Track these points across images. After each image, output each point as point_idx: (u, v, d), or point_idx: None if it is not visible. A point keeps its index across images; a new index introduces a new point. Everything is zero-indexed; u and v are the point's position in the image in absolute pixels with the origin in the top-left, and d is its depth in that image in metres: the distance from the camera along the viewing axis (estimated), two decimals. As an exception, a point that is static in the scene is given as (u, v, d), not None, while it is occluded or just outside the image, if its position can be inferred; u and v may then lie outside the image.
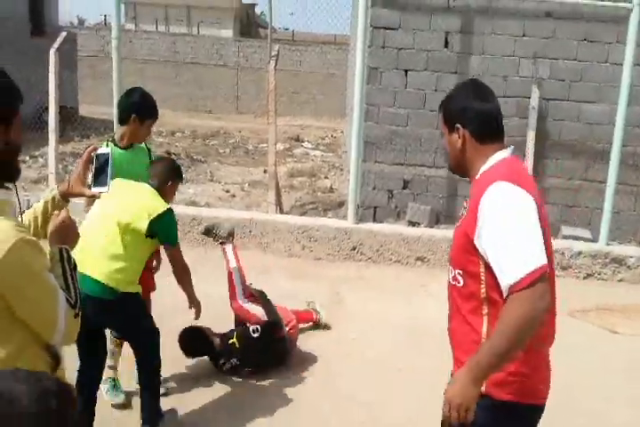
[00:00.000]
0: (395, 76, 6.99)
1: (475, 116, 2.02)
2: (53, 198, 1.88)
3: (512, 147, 2.10)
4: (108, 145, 3.39)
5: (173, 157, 12.45)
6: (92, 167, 1.90)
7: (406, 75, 6.99)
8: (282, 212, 7.09)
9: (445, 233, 6.08)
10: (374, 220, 7.11)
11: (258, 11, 37.85)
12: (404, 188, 7.13)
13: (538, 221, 1.84)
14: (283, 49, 25.18)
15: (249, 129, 17.46)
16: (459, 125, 2.03)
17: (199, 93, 24.61)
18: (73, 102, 18.05)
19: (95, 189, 1.89)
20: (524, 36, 6.82)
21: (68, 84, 17.32)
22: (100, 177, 1.89)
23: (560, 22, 6.72)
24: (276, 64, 6.90)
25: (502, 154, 2.04)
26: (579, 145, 6.88)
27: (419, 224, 6.84)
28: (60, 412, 0.98)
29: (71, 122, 15.93)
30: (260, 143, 15.02)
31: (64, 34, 7.74)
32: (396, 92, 7.01)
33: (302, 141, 15.83)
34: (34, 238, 1.57)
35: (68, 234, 1.70)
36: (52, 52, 7.36)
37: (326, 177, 10.80)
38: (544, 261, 1.76)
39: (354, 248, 6.35)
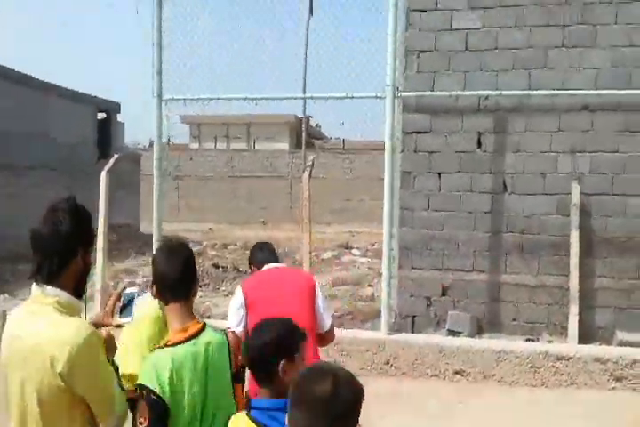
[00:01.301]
0: (428, 180, 6.81)
1: None
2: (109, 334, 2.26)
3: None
4: None
5: (222, 269, 12.45)
6: (120, 303, 2.36)
7: (440, 177, 6.80)
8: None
9: (486, 343, 5.58)
10: (413, 329, 6.66)
11: (313, 123, 39.22)
12: (443, 294, 6.72)
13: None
14: (334, 158, 26.05)
15: (298, 238, 17.42)
16: None
17: (254, 205, 25.16)
18: (134, 220, 18.64)
19: (121, 320, 2.33)
20: (560, 131, 6.58)
21: (130, 203, 18.08)
22: (126, 310, 2.35)
23: (597, 114, 6.47)
24: (310, 173, 6.82)
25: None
26: (627, 241, 6.38)
27: (460, 333, 6.33)
28: None
29: (130, 239, 16.39)
30: (309, 251, 14.92)
31: (115, 156, 7.96)
32: (430, 195, 6.81)
33: (351, 248, 15.64)
34: (100, 333, 2.07)
35: (110, 346, 2.15)
36: (103, 173, 7.55)
37: (370, 285, 10.44)
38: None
39: (387, 362, 5.88)
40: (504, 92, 6.37)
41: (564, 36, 6.48)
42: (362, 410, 1.57)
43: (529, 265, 6.58)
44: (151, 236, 18.58)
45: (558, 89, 6.38)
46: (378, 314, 7.04)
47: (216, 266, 12.57)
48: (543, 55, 6.54)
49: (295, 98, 6.62)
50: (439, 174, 6.82)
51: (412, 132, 6.87)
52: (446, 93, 6.52)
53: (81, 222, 2.07)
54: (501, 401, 5.21)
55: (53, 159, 14.50)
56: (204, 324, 2.35)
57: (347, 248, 15.75)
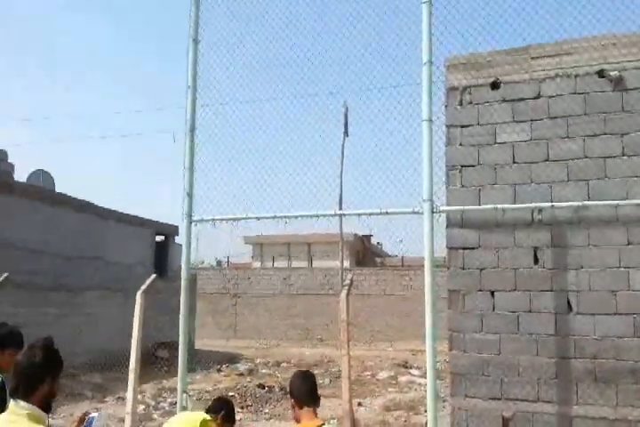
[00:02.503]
0: (480, 298, 6.34)
1: None
2: None
3: None
4: None
5: (267, 389, 11.89)
6: (84, 424, 3.07)
7: (493, 296, 6.32)
8: (362, 459, 6.07)
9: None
10: (473, 470, 5.89)
11: (375, 241, 39.27)
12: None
13: None
14: (392, 275, 25.62)
15: (356, 357, 16.71)
16: None
17: (311, 323, 24.73)
18: (190, 338, 18.64)
19: None
20: (629, 244, 6.07)
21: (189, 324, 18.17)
22: None
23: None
24: (348, 292, 6.51)
25: None
26: None
27: (528, 476, 5.54)
28: None
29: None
30: (364, 371, 14.16)
31: (152, 277, 7.89)
32: (482, 315, 6.30)
33: (410, 368, 14.78)
34: None
35: None
36: (138, 294, 7.45)
37: (426, 410, 9.58)
38: None
39: None
40: (556, 204, 6.01)
41: (624, 145, 6.18)
42: None
43: (605, 395, 5.82)
44: (206, 353, 18.40)
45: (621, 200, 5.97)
46: (433, 449, 6.36)
47: (262, 386, 12.01)
48: (601, 165, 6.21)
49: (327, 215, 6.44)
50: (492, 293, 6.34)
51: (458, 248, 6.51)
52: (491, 207, 6.20)
53: (50, 358, 2.81)
54: None
55: (109, 280, 14.90)
56: (324, 423, 3.54)
57: (405, 367, 14.90)
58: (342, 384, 6.42)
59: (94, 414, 3.09)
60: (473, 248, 6.47)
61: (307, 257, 30.49)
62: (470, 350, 6.21)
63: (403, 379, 13.31)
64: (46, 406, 2.81)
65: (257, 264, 30.58)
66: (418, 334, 22.51)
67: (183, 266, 7.09)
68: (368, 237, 34.97)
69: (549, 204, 6.07)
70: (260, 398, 11.11)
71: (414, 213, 5.93)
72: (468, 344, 6.23)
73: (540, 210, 6.29)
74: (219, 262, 37.52)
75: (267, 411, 10.26)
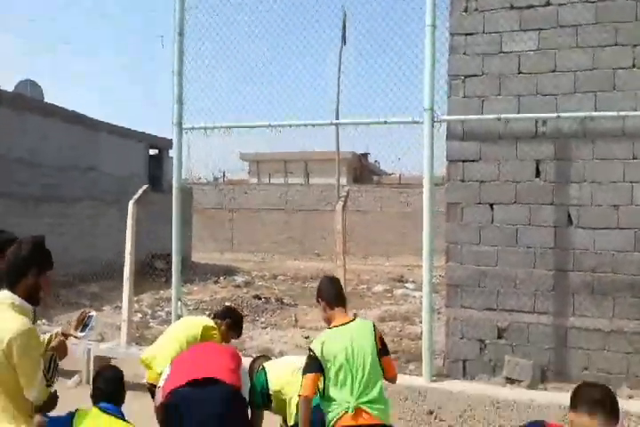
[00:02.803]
0: (479, 211, 6.25)
1: None
2: (56, 333, 3.18)
3: None
4: None
5: (263, 300, 12.11)
6: (85, 321, 3.21)
7: (492, 209, 6.24)
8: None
9: (551, 396, 4.90)
10: (464, 375, 6.03)
11: (372, 159, 39.03)
12: (499, 337, 6.07)
13: None
14: (390, 191, 25.58)
15: (351, 270, 16.96)
16: None
17: (307, 238, 24.97)
18: (186, 251, 18.83)
19: (79, 334, 3.19)
20: (634, 158, 5.90)
21: (183, 235, 18.36)
22: (86, 327, 3.20)
23: (679, 136, 5.76)
24: (344, 205, 6.45)
25: None
26: None
27: (519, 382, 5.67)
28: None
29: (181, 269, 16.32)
30: (360, 284, 14.39)
31: (144, 187, 7.97)
32: (481, 228, 6.24)
33: (405, 282, 15.01)
34: (37, 331, 2.86)
35: (59, 349, 3.02)
36: (130, 204, 7.51)
37: (421, 321, 9.76)
38: None
39: (430, 412, 5.29)
40: (562, 115, 5.80)
41: (634, 56, 5.88)
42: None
43: (602, 307, 5.85)
44: (202, 266, 18.64)
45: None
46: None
47: (258, 297, 12.22)
48: (610, 77, 5.95)
49: (323, 124, 6.22)
50: (491, 205, 6.25)
51: (458, 161, 6.36)
52: (494, 117, 5.99)
53: (37, 252, 2.91)
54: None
55: (103, 192, 14.83)
56: (355, 317, 3.77)
57: (401, 281, 15.14)
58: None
59: (93, 313, 3.23)
60: (473, 161, 6.32)
61: (303, 174, 30.37)
62: (467, 262, 6.21)
63: (398, 292, 13.53)
64: (32, 300, 2.88)
65: (254, 181, 30.52)
66: (414, 251, 22.85)
67: (174, 175, 7.00)
68: (365, 155, 34.74)
69: (555, 114, 5.86)
70: (257, 308, 11.31)
71: (414, 122, 5.74)
72: (465, 256, 6.22)
73: (545, 122, 6.09)
74: (215, 179, 37.55)
75: (263, 320, 10.46)
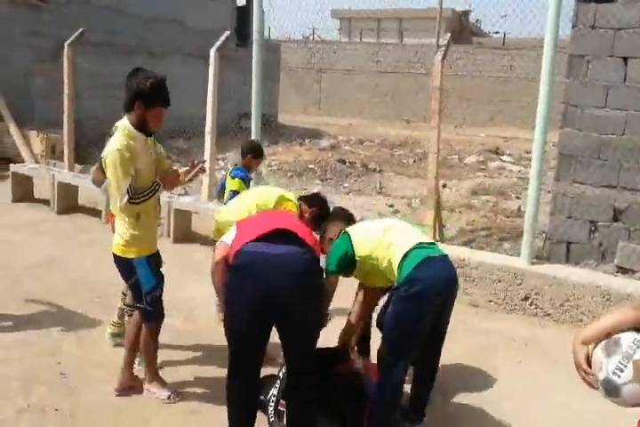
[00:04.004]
0: (608, 66, 5.11)
1: None
2: (175, 170, 3.53)
3: None
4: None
5: (348, 164, 11.49)
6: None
7: (626, 64, 5.07)
8: (441, 239, 5.54)
9: (673, 291, 4.12)
10: (567, 260, 5.29)
11: (473, 18, 36.02)
12: (615, 219, 5.18)
13: None
14: (491, 53, 23.45)
15: (444, 140, 15.92)
16: None
17: (398, 103, 23.68)
18: (272, 110, 18.22)
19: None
20: None
21: (270, 94, 17.66)
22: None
23: None
24: (444, 56, 5.50)
25: None
26: None
27: (633, 272, 4.88)
28: None
29: (267, 129, 15.91)
30: (450, 154, 13.44)
31: (227, 33, 7.41)
32: (609, 87, 5.13)
33: (502, 154, 13.90)
34: (135, 151, 3.23)
35: (166, 179, 3.37)
36: (212, 51, 7.04)
37: (518, 197, 8.91)
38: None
39: (526, 298, 4.65)
40: None
41: None
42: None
43: None
44: (288, 127, 18.14)
45: None
46: (522, 234, 5.80)
47: (343, 161, 11.60)
48: None
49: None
50: (625, 59, 5.08)
51: (589, 1, 5.13)
52: None
53: (143, 88, 3.17)
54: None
55: (190, 45, 14.12)
56: None
57: (496, 153, 14.04)
58: (429, 160, 5.70)
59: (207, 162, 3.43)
60: (610, 1, 5.07)
61: (397, 34, 28.26)
62: (587, 128, 5.20)
63: (493, 164, 12.50)
64: (142, 129, 3.25)
65: (344, 40, 28.80)
66: (514, 121, 21.30)
67: (255, 26, 6.34)
68: (466, 12, 31.87)
69: None
70: (341, 172, 10.73)
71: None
72: (586, 121, 5.20)
73: None
74: (305, 37, 36.00)
75: (346, 185, 9.91)
